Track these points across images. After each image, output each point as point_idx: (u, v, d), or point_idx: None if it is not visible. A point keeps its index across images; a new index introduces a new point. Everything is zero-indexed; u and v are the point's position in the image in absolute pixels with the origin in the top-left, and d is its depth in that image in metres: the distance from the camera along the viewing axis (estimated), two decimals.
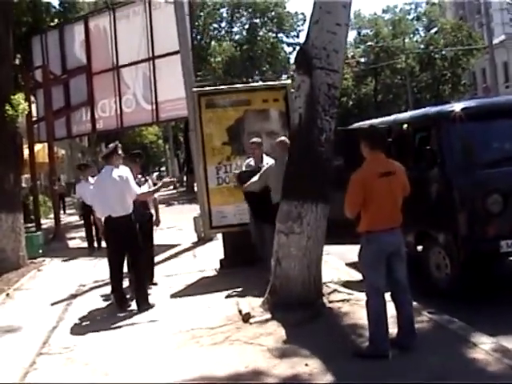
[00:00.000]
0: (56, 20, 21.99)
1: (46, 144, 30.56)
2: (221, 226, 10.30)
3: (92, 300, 9.10)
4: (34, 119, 19.40)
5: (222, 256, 10.45)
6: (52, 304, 9.13)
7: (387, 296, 5.56)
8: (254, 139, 9.42)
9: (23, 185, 28.32)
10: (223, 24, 49.94)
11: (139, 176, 9.37)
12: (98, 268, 11.21)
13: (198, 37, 46.19)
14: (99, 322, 7.87)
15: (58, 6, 22.76)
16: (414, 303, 6.10)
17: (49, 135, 17.76)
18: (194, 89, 11.31)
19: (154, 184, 9.73)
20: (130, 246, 8.12)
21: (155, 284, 9.49)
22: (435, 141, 7.69)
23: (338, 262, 9.80)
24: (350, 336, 6.17)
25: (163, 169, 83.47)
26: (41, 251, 14.73)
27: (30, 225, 18.84)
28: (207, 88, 11.77)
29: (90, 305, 8.77)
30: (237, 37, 49.15)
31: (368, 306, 5.51)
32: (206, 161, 10.25)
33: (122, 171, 8.20)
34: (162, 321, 7.48)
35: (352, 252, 7.10)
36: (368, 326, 5.58)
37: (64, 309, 8.79)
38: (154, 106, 16.97)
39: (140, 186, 8.75)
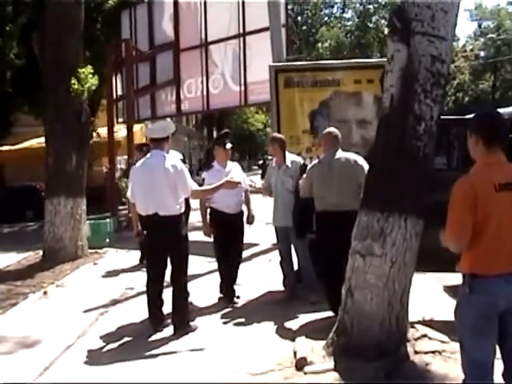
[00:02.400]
0: None
1: (143, 125, 30.06)
2: None
3: (130, 310, 7.59)
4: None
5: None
6: (85, 311, 7.70)
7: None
8: (273, 134, 7.85)
9: (118, 166, 27.74)
10: (335, 10, 47.90)
11: (229, 162, 7.84)
12: None
13: (309, 21, 44.57)
14: (122, 344, 6.33)
15: None
16: None
17: (129, 115, 16.48)
18: (271, 63, 9.52)
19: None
20: (176, 253, 6.50)
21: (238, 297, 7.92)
22: None
23: (433, 286, 7.79)
24: None
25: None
26: (107, 240, 13.47)
27: (121, 207, 17.70)
28: (288, 63, 9.82)
29: (124, 317, 7.28)
30: (348, 23, 46.89)
31: None
32: None
33: (176, 159, 6.60)
34: (196, 354, 5.82)
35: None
36: None
37: (94, 319, 7.34)
38: (243, 88, 15.40)
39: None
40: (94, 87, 11.97)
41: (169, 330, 6.52)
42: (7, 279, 10.09)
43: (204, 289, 8.40)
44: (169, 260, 6.53)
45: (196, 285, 8.62)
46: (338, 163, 6.50)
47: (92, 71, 11.88)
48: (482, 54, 56.56)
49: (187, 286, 6.67)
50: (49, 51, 11.84)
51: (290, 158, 7.60)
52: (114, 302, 8.11)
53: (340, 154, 6.57)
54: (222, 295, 7.87)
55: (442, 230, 3.53)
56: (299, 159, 7.69)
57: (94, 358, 5.95)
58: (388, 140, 5.30)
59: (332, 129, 6.86)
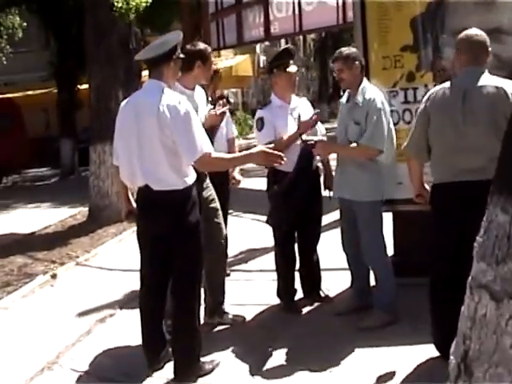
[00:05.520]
0: None
1: (248, 55, 27.44)
2: (392, 199, 5.24)
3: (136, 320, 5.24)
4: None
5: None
6: (80, 314, 5.47)
7: None
8: (342, 49, 5.03)
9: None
10: None
11: (294, 97, 5.20)
12: None
13: None
14: None
15: None
16: None
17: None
18: None
19: None
20: (179, 250, 3.94)
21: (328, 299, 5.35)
22: None
23: None
24: None
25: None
26: None
27: None
28: None
29: (125, 327, 4.96)
30: None
31: None
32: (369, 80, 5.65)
33: (182, 99, 3.83)
34: None
35: None
36: None
37: (85, 331, 5.05)
38: (341, 2, 12.39)
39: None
40: (143, 4, 9.50)
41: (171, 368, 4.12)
42: (33, 247, 8.15)
43: (253, 279, 5.96)
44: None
45: (244, 268, 6.25)
46: (483, 96, 3.58)
47: None
48: None
49: (195, 301, 4.07)
50: None
51: (367, 90, 4.78)
52: (129, 299, 5.78)
53: (487, 78, 3.65)
54: (279, 300, 5.31)
55: None
56: (377, 95, 4.83)
57: None
58: None
59: (476, 31, 3.86)
